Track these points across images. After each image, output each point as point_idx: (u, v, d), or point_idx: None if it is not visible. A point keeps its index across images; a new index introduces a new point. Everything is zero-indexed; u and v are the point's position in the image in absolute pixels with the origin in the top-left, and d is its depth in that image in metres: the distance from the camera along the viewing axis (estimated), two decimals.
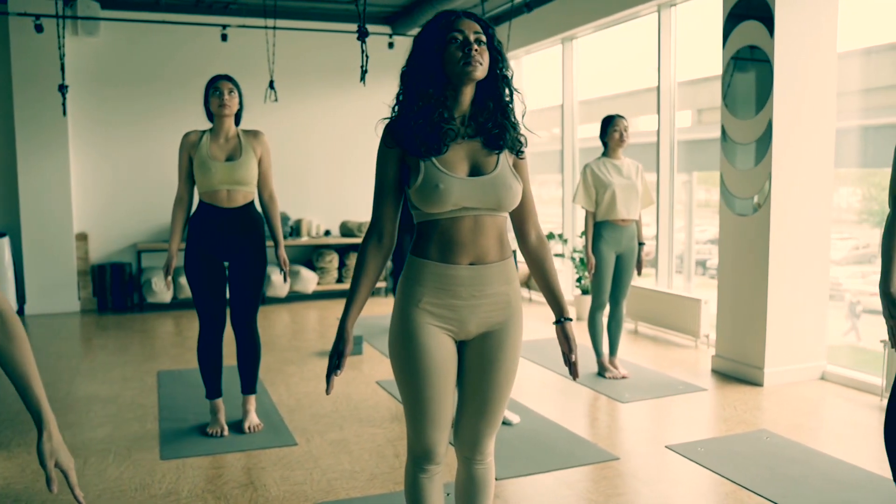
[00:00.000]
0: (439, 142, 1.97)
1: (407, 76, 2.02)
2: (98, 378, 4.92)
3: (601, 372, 4.79)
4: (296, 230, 7.95)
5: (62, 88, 5.61)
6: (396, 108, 2.05)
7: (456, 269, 1.98)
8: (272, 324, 6.64)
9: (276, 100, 6.47)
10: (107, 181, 7.41)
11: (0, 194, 7.22)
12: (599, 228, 4.63)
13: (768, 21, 4.38)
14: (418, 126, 1.97)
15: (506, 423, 3.90)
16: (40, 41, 6.70)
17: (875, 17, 4.85)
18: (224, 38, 7.06)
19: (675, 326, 5.80)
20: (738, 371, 4.70)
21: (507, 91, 2.07)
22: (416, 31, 8.11)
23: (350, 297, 2.05)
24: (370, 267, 2.05)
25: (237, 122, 3.82)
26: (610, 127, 4.62)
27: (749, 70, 4.56)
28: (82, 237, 7.29)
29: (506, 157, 2.03)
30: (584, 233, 4.67)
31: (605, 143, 4.67)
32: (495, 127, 2.03)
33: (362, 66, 4.74)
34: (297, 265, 7.85)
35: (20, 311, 7.19)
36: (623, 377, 4.73)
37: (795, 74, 4.42)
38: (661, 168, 6.08)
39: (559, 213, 7.67)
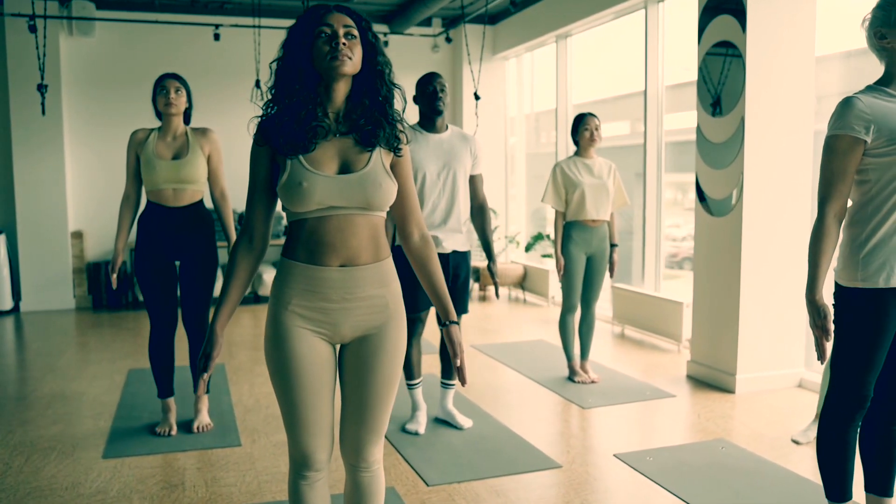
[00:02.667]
0: (306, 139, 1.90)
1: (277, 72, 1.97)
2: (69, 376, 4.94)
3: (571, 376, 4.67)
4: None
5: (41, 88, 5.65)
6: (268, 104, 1.99)
7: (325, 270, 1.91)
8: (258, 322, 6.64)
9: (262, 98, 6.45)
10: (102, 180, 7.48)
11: None
12: (569, 229, 4.51)
13: (741, 15, 4.23)
14: (285, 123, 1.91)
15: (456, 427, 3.82)
16: (35, 41, 6.77)
17: (855, 22, 4.65)
18: (217, 37, 7.09)
19: (658, 330, 5.65)
20: (712, 377, 4.55)
21: (383, 86, 2.00)
22: (411, 29, 8.09)
23: (220, 300, 2.00)
24: (240, 269, 2.00)
25: (186, 121, 3.81)
26: (581, 126, 4.50)
27: (723, 66, 4.41)
28: (77, 235, 7.37)
29: (380, 155, 1.96)
30: (554, 233, 4.56)
31: (576, 143, 4.56)
32: (368, 123, 1.96)
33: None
34: None
35: (16, 308, 7.30)
36: (593, 382, 4.61)
37: (769, 72, 4.26)
38: (648, 169, 5.93)
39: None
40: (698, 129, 4.63)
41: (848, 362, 2.35)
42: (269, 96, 1.98)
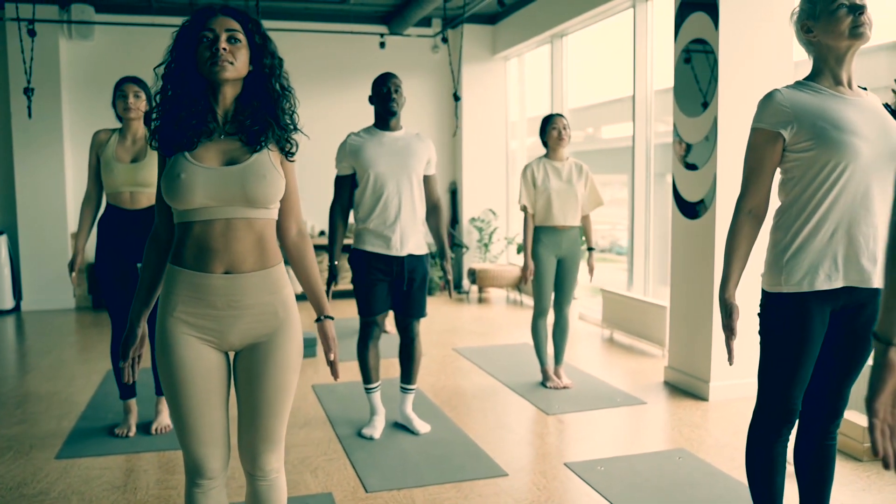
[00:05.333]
0: (188, 139, 1.90)
1: (163, 76, 1.95)
2: (47, 375, 5.00)
3: (544, 381, 4.60)
4: None
5: (27, 91, 5.73)
6: (156, 109, 1.98)
7: (209, 277, 1.90)
8: None
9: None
10: None
11: None
12: (538, 232, 4.44)
13: (713, 11, 4.12)
14: (168, 126, 1.91)
15: (413, 432, 3.77)
16: (37, 46, 6.88)
17: None
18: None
19: (644, 335, 5.54)
20: (687, 384, 4.44)
21: (273, 88, 1.97)
22: (409, 30, 8.06)
23: (137, 295, 2.04)
24: (153, 265, 2.03)
25: (147, 123, 3.81)
26: (548, 126, 4.43)
27: (697, 65, 4.30)
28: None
29: (267, 155, 1.94)
30: (524, 235, 4.48)
31: (545, 144, 4.49)
32: (255, 124, 1.94)
33: None
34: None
35: (17, 308, 7.43)
36: (565, 387, 4.53)
37: (743, 72, 4.13)
38: (637, 173, 5.82)
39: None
40: (675, 130, 4.52)
41: (773, 374, 2.26)
42: (155, 103, 1.98)
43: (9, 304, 7.27)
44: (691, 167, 4.36)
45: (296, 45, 7.93)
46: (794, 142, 2.13)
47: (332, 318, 2.09)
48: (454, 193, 8.61)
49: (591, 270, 4.60)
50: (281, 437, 2.07)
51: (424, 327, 6.33)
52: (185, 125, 1.90)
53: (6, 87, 7.18)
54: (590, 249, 4.61)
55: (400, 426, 3.86)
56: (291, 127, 2.00)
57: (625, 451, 3.55)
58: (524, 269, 4.43)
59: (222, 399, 2.02)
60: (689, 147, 4.35)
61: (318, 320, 2.08)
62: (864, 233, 2.12)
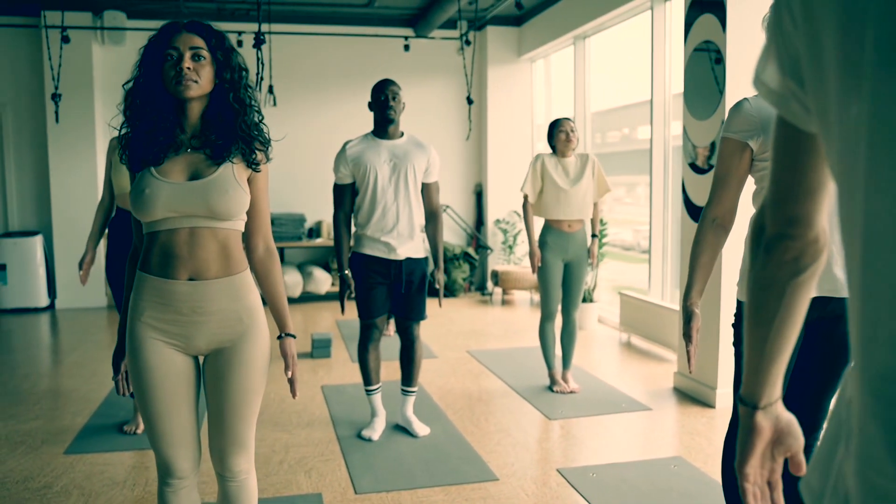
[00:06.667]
0: (154, 154, 1.96)
1: (131, 92, 2.01)
2: (70, 372, 5.16)
3: (551, 386, 4.58)
4: (316, 232, 8.09)
5: (55, 97, 5.92)
6: (124, 125, 2.04)
7: (173, 284, 1.95)
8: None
9: (274, 104, 6.60)
10: None
11: (34, 196, 7.73)
12: (544, 235, 4.43)
13: (721, 12, 4.05)
14: (136, 141, 1.97)
15: (412, 435, 3.80)
16: (71, 52, 7.10)
17: None
18: (239, 44, 7.26)
19: (660, 339, 5.47)
20: (695, 391, 4.38)
21: (237, 102, 2.01)
22: (434, 33, 8.09)
23: (123, 310, 2.12)
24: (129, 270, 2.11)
25: None
26: (556, 129, 4.42)
27: (706, 67, 4.24)
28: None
29: (232, 168, 1.98)
30: (525, 223, 4.48)
31: (553, 147, 4.48)
32: (220, 138, 1.99)
33: (258, 74, 4.78)
34: (311, 266, 7.98)
35: (51, 306, 7.67)
36: (572, 392, 4.50)
37: (750, 74, 4.05)
38: (655, 176, 5.75)
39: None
40: (684, 133, 4.46)
41: None
42: (124, 118, 2.04)
43: (44, 301, 7.51)
44: (699, 170, 4.30)
45: (322, 48, 8.05)
46: (762, 151, 2.10)
47: (293, 337, 2.12)
48: (480, 195, 8.62)
49: (592, 257, 4.56)
50: (248, 439, 2.11)
51: (443, 329, 6.37)
52: (153, 140, 1.96)
53: (42, 92, 7.42)
54: (593, 236, 4.59)
55: (400, 428, 3.89)
56: (256, 140, 2.04)
57: (621, 458, 3.53)
58: (531, 256, 4.42)
59: (190, 402, 2.07)
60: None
61: (279, 337, 2.12)
62: (836, 241, 2.08)
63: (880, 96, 0.63)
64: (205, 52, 1.96)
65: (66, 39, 6.74)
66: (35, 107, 7.50)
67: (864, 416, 0.67)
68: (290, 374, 2.08)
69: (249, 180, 2.04)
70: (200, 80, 1.94)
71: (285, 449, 3.65)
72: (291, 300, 7.75)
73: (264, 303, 2.15)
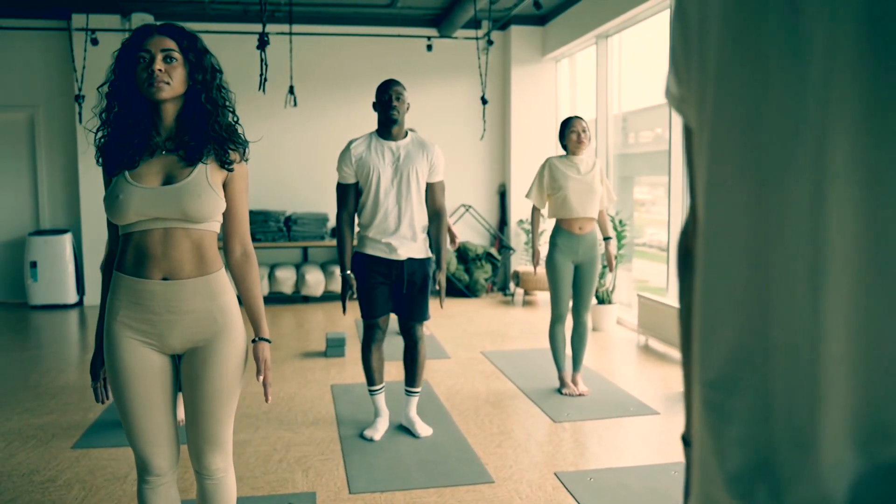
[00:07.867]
0: (129, 158, 1.98)
1: (106, 95, 2.03)
2: (87, 368, 5.25)
3: (560, 388, 4.53)
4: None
5: (77, 98, 6.05)
6: (100, 128, 2.06)
7: (147, 283, 1.97)
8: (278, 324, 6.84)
9: (294, 104, 6.65)
10: None
11: (64, 195, 7.91)
12: (555, 236, 4.39)
13: None
14: (111, 145, 2.00)
15: (414, 435, 3.79)
16: (100, 54, 7.25)
17: None
18: (266, 44, 7.34)
19: (677, 342, 5.37)
20: None
21: (209, 102, 2.03)
22: (458, 33, 8.07)
23: (100, 318, 2.13)
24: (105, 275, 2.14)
25: None
26: (567, 129, 4.38)
27: None
28: None
29: (206, 169, 2.00)
30: (532, 226, 4.57)
31: (564, 147, 4.43)
32: (193, 140, 2.00)
33: (261, 75, 4.80)
34: (334, 265, 8.02)
35: (80, 303, 7.84)
36: (581, 394, 4.45)
37: None
38: (674, 177, 5.66)
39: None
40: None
41: None
42: (100, 121, 2.06)
43: (73, 298, 7.68)
44: None
45: (345, 48, 8.09)
46: None
47: (268, 341, 2.12)
48: (503, 195, 8.58)
49: (608, 259, 4.55)
50: (224, 438, 2.13)
51: (459, 329, 6.35)
52: (128, 144, 1.98)
53: (72, 94, 7.58)
54: (606, 239, 4.56)
55: (403, 429, 3.89)
56: (230, 140, 2.05)
57: (622, 463, 3.47)
58: (532, 257, 4.54)
59: (167, 400, 2.09)
60: None
61: (253, 341, 2.12)
62: None
63: (720, 97, 0.61)
64: (177, 54, 1.97)
65: (94, 42, 6.89)
66: (65, 108, 7.68)
67: (700, 426, 0.65)
68: (261, 378, 2.08)
69: (225, 183, 2.05)
70: (172, 82, 1.96)
71: (286, 447, 3.67)
72: (314, 299, 7.81)
73: (241, 303, 2.16)
